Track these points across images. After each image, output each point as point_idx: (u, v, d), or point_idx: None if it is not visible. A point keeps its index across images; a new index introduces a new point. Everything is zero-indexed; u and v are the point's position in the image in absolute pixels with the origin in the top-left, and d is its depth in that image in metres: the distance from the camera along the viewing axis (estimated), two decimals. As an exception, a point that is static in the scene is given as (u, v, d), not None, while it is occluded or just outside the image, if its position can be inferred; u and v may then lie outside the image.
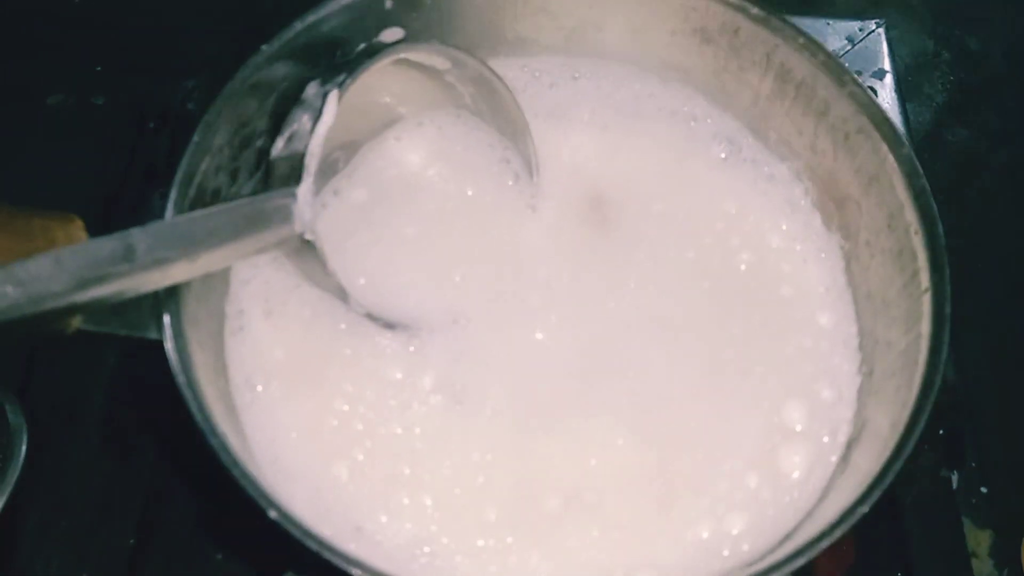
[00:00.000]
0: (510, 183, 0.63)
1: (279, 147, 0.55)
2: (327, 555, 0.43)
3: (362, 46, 0.58)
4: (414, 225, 0.61)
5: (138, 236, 0.44)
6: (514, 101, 0.61)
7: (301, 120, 0.54)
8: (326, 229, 0.56)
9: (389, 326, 0.57)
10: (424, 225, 0.61)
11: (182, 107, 0.79)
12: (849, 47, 0.83)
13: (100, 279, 0.42)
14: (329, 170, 0.62)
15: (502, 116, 0.62)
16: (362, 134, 0.63)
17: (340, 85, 0.53)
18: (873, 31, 0.84)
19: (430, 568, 0.52)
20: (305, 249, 0.53)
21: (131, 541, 0.65)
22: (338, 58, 0.57)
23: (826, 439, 0.56)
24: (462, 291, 0.60)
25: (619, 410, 0.57)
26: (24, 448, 0.66)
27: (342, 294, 0.55)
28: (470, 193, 0.62)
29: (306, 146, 0.52)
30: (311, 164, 0.52)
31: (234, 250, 0.48)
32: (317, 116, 0.53)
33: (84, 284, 0.41)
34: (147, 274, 0.44)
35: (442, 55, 0.59)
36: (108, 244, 0.43)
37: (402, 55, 0.58)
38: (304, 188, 0.51)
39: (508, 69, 0.64)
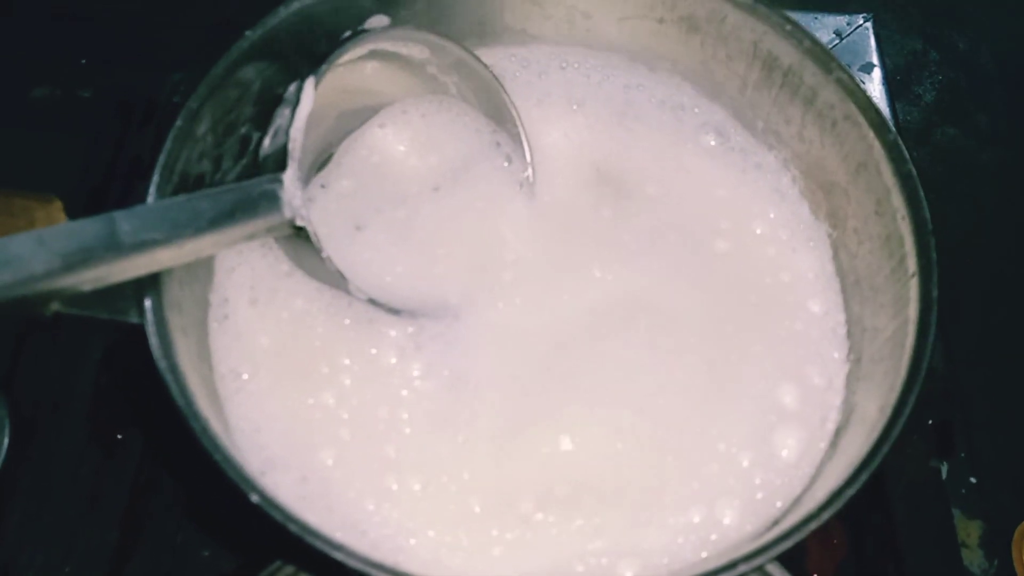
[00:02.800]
0: (505, 165, 0.62)
1: (266, 145, 0.55)
2: (309, 539, 0.43)
3: (347, 34, 0.58)
4: (404, 211, 0.61)
5: (121, 217, 0.44)
6: (496, 82, 0.61)
7: (283, 114, 0.54)
8: (317, 222, 0.55)
9: (394, 311, 0.57)
10: (415, 211, 0.61)
11: (168, 100, 0.79)
12: (837, 41, 0.83)
13: (84, 261, 0.42)
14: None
15: (487, 100, 0.62)
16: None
17: (316, 73, 0.54)
18: (861, 25, 0.84)
19: (415, 559, 0.52)
20: (298, 237, 0.52)
21: (115, 535, 0.65)
22: (323, 46, 0.57)
23: (816, 424, 0.56)
24: (461, 276, 0.59)
25: (610, 397, 0.56)
26: (7, 441, 0.65)
27: (341, 281, 0.55)
28: (461, 177, 0.62)
29: (287, 134, 0.52)
30: (294, 150, 0.52)
31: (222, 235, 0.48)
32: (296, 106, 0.53)
33: (68, 265, 0.41)
34: (133, 257, 0.44)
35: (418, 42, 0.59)
36: (91, 225, 0.43)
37: (378, 44, 0.58)
38: (289, 174, 0.51)
39: (496, 58, 0.64)
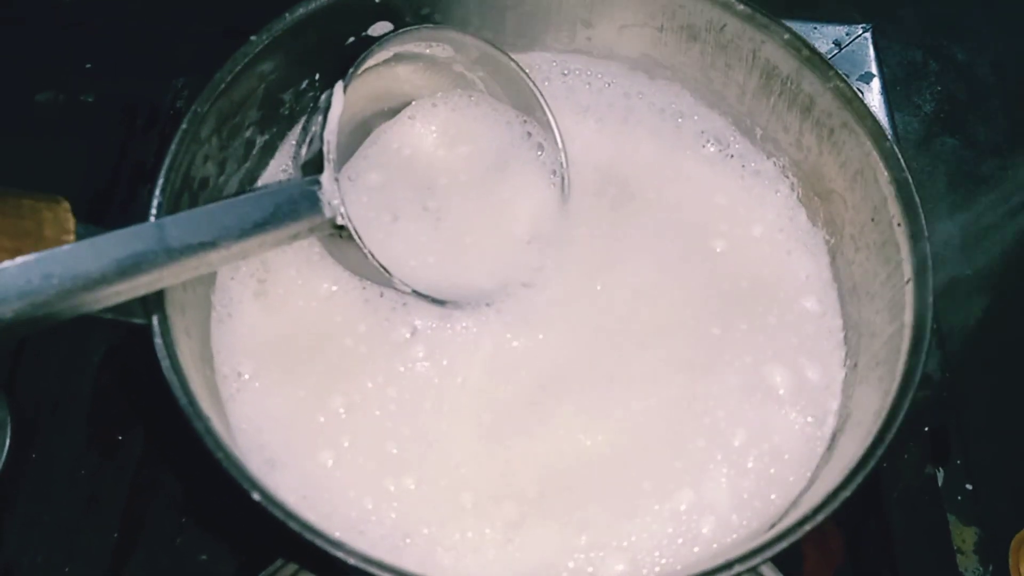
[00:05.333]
0: (538, 154, 0.63)
1: (303, 154, 0.57)
2: (309, 537, 0.43)
3: (351, 40, 0.58)
4: (436, 202, 0.61)
5: (169, 223, 0.46)
6: (522, 72, 0.62)
7: (316, 121, 0.55)
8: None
9: (438, 302, 0.58)
10: (447, 201, 0.61)
11: (171, 105, 0.79)
12: (836, 51, 0.83)
13: (138, 265, 0.43)
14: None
15: (515, 92, 0.63)
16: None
17: (344, 77, 0.55)
18: (860, 35, 0.85)
19: (411, 558, 0.52)
20: (340, 235, 0.53)
21: (115, 535, 0.65)
22: (329, 52, 0.58)
23: (812, 421, 0.56)
24: (490, 266, 0.60)
25: (600, 394, 0.57)
26: (8, 442, 0.66)
27: (383, 276, 0.56)
28: (495, 168, 0.63)
29: (322, 139, 0.53)
30: (329, 152, 0.53)
31: (267, 236, 0.49)
32: (327, 110, 0.54)
33: (122, 271, 0.43)
34: (183, 260, 0.45)
35: (442, 40, 0.60)
36: (141, 231, 0.44)
37: (403, 46, 0.59)
38: (327, 175, 0.52)
39: (498, 65, 0.65)
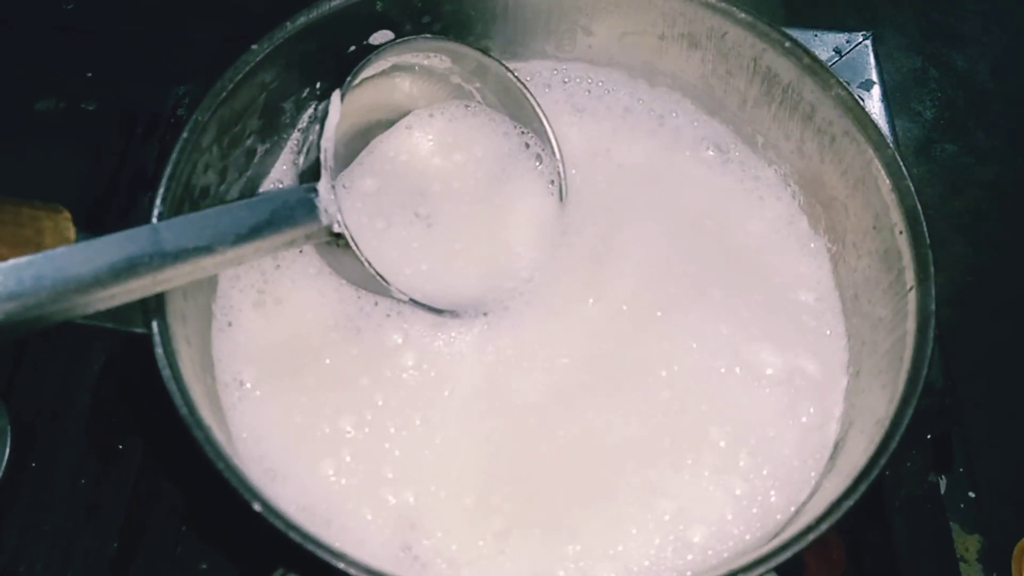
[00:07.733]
0: (537, 165, 0.63)
1: (301, 163, 0.57)
2: (310, 547, 0.43)
3: (352, 48, 0.58)
4: (428, 208, 0.61)
5: (164, 227, 0.46)
6: (518, 82, 0.62)
7: (313, 130, 0.55)
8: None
9: (436, 311, 0.58)
10: (440, 210, 0.61)
11: (172, 113, 0.79)
12: (837, 58, 0.83)
13: (131, 268, 0.43)
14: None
15: (512, 102, 0.63)
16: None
17: (341, 86, 0.55)
18: (860, 43, 0.85)
19: (410, 569, 0.52)
20: (336, 243, 0.53)
21: (115, 544, 0.65)
22: (330, 60, 0.58)
23: (811, 412, 0.56)
24: (486, 276, 0.60)
25: (591, 401, 0.57)
26: (8, 450, 0.66)
27: (380, 285, 0.56)
28: (494, 179, 0.63)
29: (319, 147, 0.53)
30: (326, 159, 0.53)
31: (263, 242, 0.49)
32: (324, 119, 0.54)
33: (116, 274, 0.43)
34: (177, 265, 0.45)
35: (439, 51, 0.61)
36: (135, 235, 0.44)
37: (401, 57, 0.59)
38: (324, 183, 0.52)
39: (500, 73, 0.65)
